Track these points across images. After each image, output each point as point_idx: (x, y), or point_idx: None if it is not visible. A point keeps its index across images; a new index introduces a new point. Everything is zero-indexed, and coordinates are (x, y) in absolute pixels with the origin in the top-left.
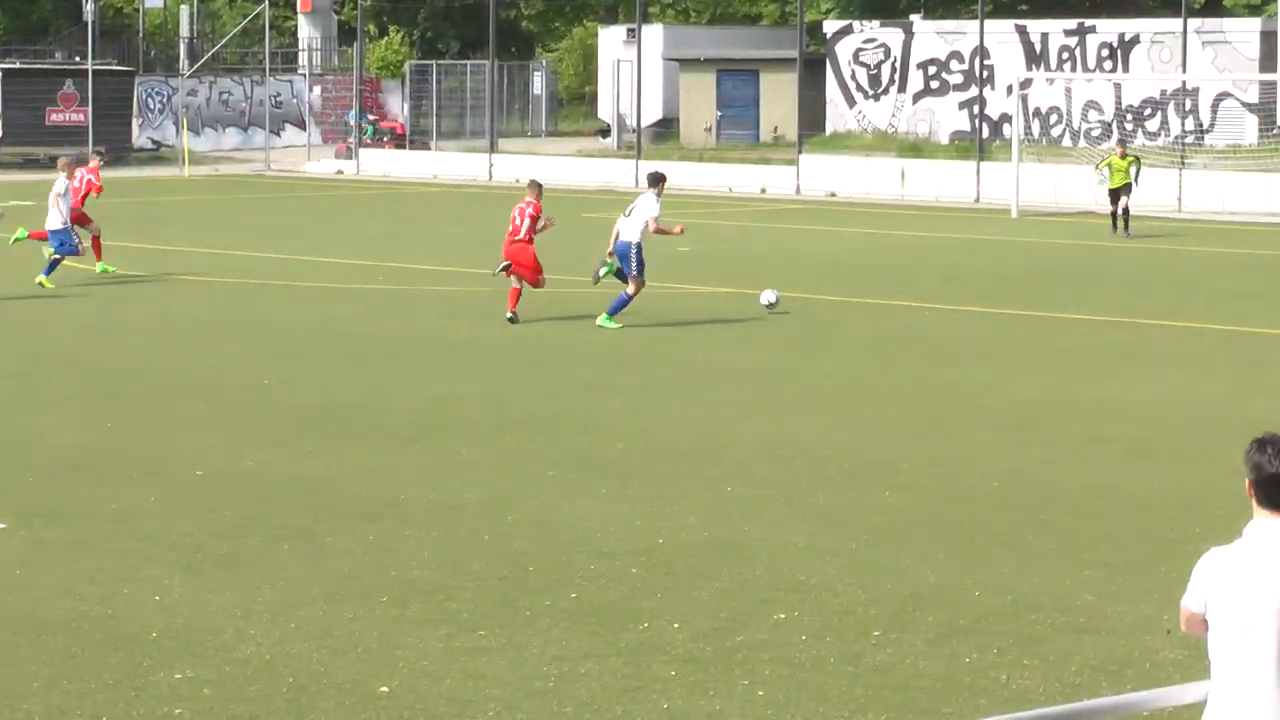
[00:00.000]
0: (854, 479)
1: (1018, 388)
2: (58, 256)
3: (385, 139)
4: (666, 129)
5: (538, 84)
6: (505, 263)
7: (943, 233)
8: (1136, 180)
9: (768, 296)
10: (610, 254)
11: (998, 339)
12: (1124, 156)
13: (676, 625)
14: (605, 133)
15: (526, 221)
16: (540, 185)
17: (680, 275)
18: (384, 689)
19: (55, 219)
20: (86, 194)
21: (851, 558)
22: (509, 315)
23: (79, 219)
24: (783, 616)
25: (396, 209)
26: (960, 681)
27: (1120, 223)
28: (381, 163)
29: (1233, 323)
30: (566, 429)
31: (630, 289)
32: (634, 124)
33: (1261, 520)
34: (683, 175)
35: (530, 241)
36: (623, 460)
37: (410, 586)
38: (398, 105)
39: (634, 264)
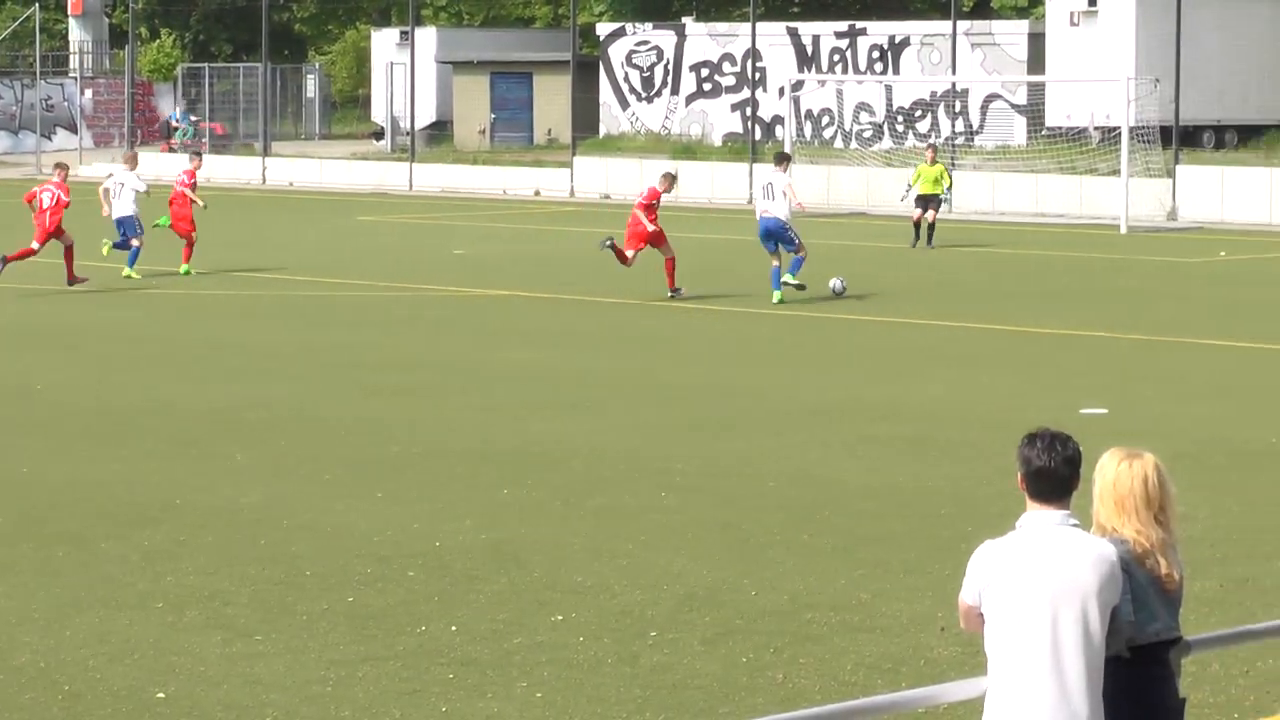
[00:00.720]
0: (630, 480)
1: (794, 388)
2: (136, 244)
3: (204, 140)
4: (441, 131)
5: (311, 87)
6: (610, 238)
7: (716, 234)
8: (948, 195)
9: (836, 284)
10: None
11: (773, 340)
12: (933, 163)
13: (454, 628)
14: (379, 135)
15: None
16: (674, 176)
17: (458, 278)
18: (160, 695)
19: (126, 206)
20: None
21: (628, 559)
22: (673, 292)
23: (177, 224)
24: (560, 618)
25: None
26: (737, 681)
27: (924, 234)
28: (153, 166)
29: (1009, 323)
30: (344, 432)
31: (801, 252)
32: (408, 127)
33: (1033, 513)
34: (457, 178)
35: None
36: (399, 463)
37: (186, 592)
38: (169, 108)
39: (793, 235)
